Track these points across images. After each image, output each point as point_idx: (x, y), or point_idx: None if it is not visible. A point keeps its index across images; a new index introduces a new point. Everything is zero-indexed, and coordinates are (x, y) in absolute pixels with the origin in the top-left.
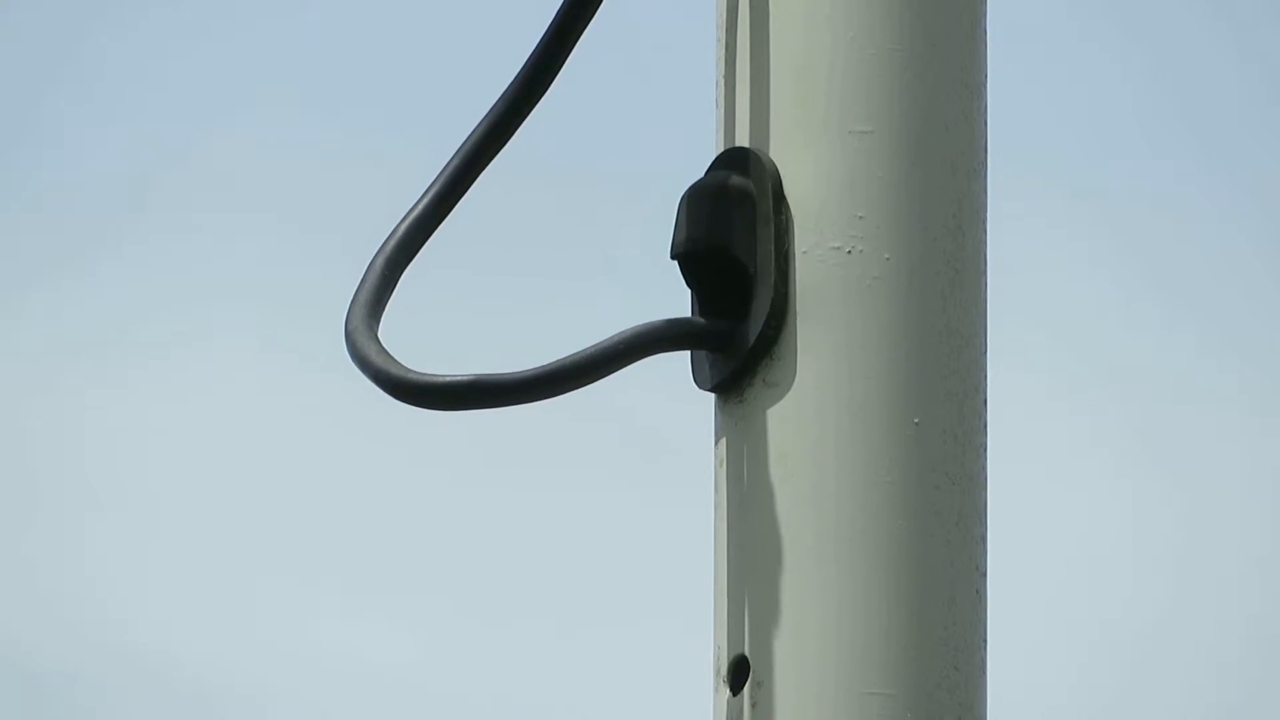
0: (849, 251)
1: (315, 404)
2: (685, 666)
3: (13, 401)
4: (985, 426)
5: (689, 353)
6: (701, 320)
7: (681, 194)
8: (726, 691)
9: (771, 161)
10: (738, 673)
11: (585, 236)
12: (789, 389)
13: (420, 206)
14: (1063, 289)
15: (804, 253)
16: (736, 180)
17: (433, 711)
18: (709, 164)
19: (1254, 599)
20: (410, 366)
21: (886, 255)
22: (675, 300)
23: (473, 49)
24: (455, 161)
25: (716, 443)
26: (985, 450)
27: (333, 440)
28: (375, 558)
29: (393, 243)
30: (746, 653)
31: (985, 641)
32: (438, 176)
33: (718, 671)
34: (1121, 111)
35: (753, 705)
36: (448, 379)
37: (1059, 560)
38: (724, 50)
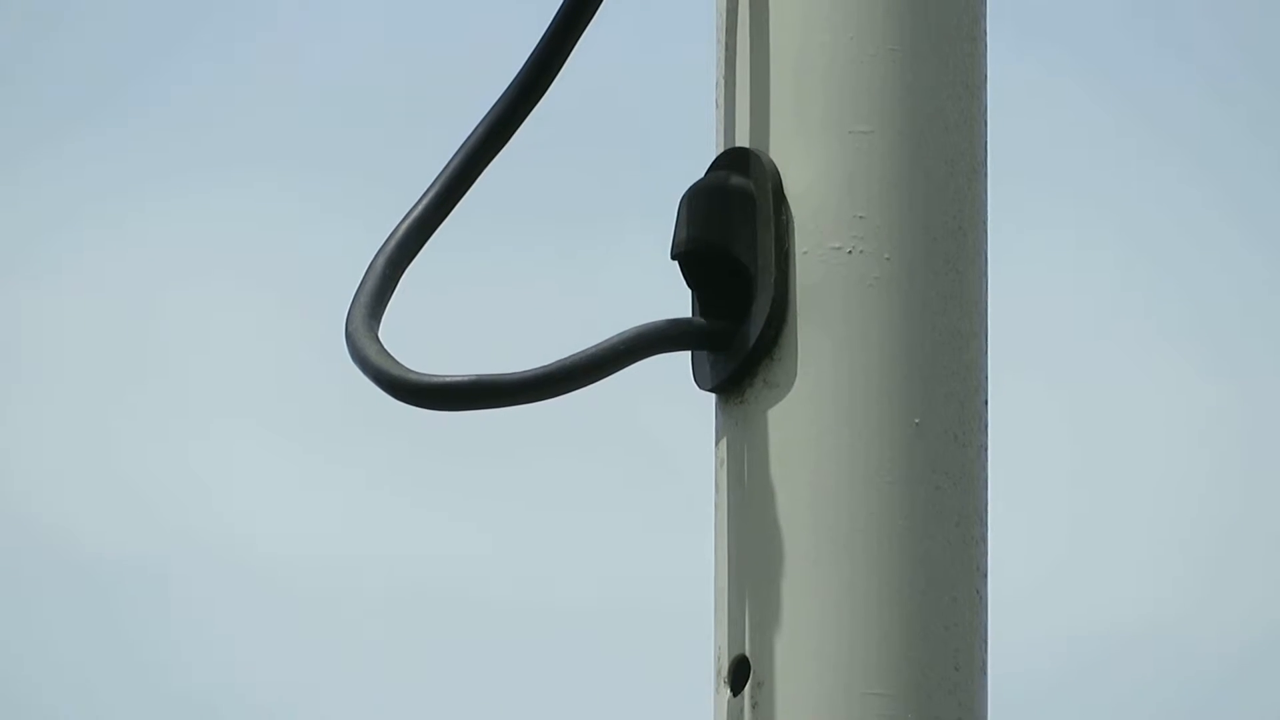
0: (849, 252)
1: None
2: (685, 667)
3: None
4: (986, 427)
5: (690, 353)
6: (702, 320)
7: (682, 194)
8: (727, 692)
9: (772, 162)
10: (738, 673)
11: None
12: (789, 389)
13: (421, 206)
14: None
15: (804, 253)
16: (737, 180)
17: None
18: (709, 164)
19: None
20: (410, 366)
21: (887, 255)
22: (676, 300)
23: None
24: (455, 161)
25: (717, 443)
26: (986, 451)
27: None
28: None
29: (393, 243)
30: (747, 653)
31: (986, 641)
32: (438, 177)
33: (718, 672)
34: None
35: (753, 705)
36: (448, 379)
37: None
38: (724, 50)
